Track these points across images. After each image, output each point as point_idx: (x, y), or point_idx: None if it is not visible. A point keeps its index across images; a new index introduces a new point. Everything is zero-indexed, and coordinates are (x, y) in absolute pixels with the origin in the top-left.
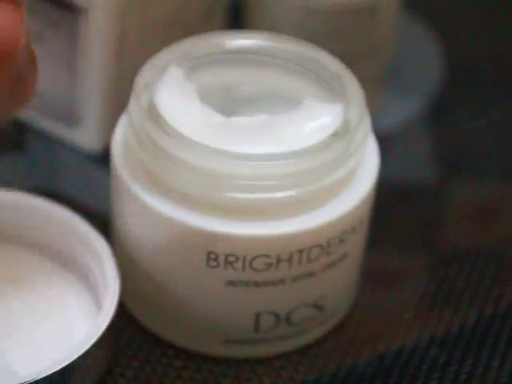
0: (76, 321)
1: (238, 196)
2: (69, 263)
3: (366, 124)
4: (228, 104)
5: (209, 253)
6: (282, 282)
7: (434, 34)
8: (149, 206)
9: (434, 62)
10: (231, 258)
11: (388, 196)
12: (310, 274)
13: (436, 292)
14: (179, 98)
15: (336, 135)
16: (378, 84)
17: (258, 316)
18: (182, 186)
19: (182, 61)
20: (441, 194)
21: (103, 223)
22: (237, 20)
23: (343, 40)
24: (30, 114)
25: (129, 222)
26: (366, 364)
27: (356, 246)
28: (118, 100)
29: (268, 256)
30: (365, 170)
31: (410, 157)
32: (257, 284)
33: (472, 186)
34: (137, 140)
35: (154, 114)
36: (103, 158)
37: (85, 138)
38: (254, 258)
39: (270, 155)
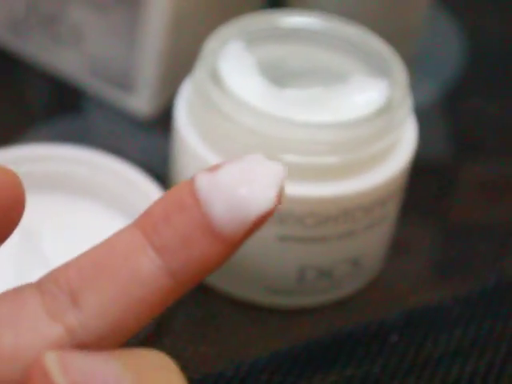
0: None
1: (293, 159)
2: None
3: (408, 102)
4: (281, 76)
5: None
6: (327, 239)
7: (457, 22)
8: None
9: (455, 48)
10: (285, 215)
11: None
12: (353, 233)
13: (458, 258)
14: (239, 67)
15: (381, 110)
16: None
17: (302, 269)
18: (240, 148)
19: (242, 35)
20: (455, 170)
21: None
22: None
23: (377, 23)
24: (87, 78)
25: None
26: (396, 318)
27: (393, 209)
28: (171, 68)
29: (318, 215)
30: (405, 142)
31: (429, 135)
32: (305, 240)
33: (483, 168)
34: (200, 103)
35: (217, 80)
36: (156, 123)
37: (138, 102)
38: (306, 215)
39: (321, 124)
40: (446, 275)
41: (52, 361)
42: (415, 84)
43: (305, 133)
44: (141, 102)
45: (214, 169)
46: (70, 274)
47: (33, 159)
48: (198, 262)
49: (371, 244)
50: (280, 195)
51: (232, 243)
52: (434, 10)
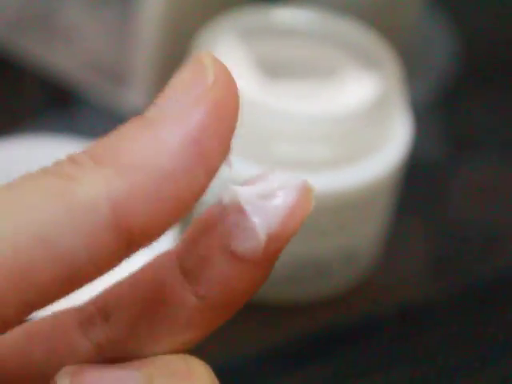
0: None
1: (285, 151)
2: None
3: (401, 96)
4: (274, 70)
5: None
6: (320, 232)
7: (453, 19)
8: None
9: (451, 47)
10: None
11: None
12: (346, 227)
13: (452, 255)
14: (232, 60)
15: (374, 103)
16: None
17: (296, 264)
18: (234, 140)
19: (235, 28)
20: (450, 168)
21: None
22: None
23: (372, 17)
24: (80, 73)
25: None
26: (390, 313)
27: (387, 204)
28: (164, 61)
29: (314, 207)
30: (399, 137)
31: (424, 134)
32: (298, 233)
33: (476, 166)
34: None
35: None
36: None
37: (132, 96)
38: None
39: (313, 116)
40: (439, 272)
41: (65, 374)
42: (410, 82)
43: (297, 125)
44: (134, 96)
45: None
46: (108, 296)
47: (24, 153)
48: (220, 283)
49: (365, 238)
50: (299, 211)
51: (252, 263)
52: (430, 7)
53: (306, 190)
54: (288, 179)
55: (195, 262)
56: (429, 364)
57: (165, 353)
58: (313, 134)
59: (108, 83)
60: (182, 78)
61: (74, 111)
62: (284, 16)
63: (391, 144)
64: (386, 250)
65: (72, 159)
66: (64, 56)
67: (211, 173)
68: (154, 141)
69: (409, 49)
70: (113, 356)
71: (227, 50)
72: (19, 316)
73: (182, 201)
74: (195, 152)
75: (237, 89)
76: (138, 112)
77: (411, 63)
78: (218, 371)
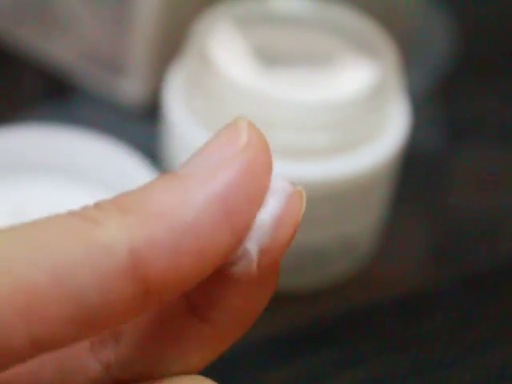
0: None
1: (282, 138)
2: None
3: (398, 83)
4: (271, 58)
5: None
6: (321, 218)
7: (451, 7)
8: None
9: (450, 35)
10: None
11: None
12: (347, 214)
13: (451, 243)
14: (229, 49)
15: (371, 90)
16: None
17: (293, 252)
18: None
19: (232, 17)
20: (449, 156)
21: None
22: None
23: (369, 3)
24: (78, 64)
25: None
26: (390, 302)
27: (385, 192)
28: (162, 51)
29: (312, 196)
30: (397, 125)
31: (423, 122)
32: None
33: (475, 154)
34: (191, 85)
35: (206, 61)
36: (144, 109)
37: (129, 86)
38: None
39: (311, 103)
40: (438, 260)
41: None
42: (408, 69)
43: (295, 113)
44: (131, 86)
45: None
46: None
47: (22, 142)
48: (223, 305)
49: (363, 227)
50: (288, 219)
51: (249, 281)
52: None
53: (294, 195)
54: (274, 186)
55: (197, 288)
56: (428, 352)
57: (175, 374)
58: (310, 122)
59: (106, 73)
60: (216, 139)
61: (72, 101)
62: (281, 4)
63: (389, 132)
64: (384, 239)
65: (98, 205)
66: (62, 46)
67: (238, 232)
68: (180, 195)
69: (407, 36)
70: (122, 377)
71: (224, 38)
72: (29, 351)
73: (204, 257)
74: (220, 210)
75: (269, 153)
76: (135, 100)
77: (409, 50)
78: (218, 359)
